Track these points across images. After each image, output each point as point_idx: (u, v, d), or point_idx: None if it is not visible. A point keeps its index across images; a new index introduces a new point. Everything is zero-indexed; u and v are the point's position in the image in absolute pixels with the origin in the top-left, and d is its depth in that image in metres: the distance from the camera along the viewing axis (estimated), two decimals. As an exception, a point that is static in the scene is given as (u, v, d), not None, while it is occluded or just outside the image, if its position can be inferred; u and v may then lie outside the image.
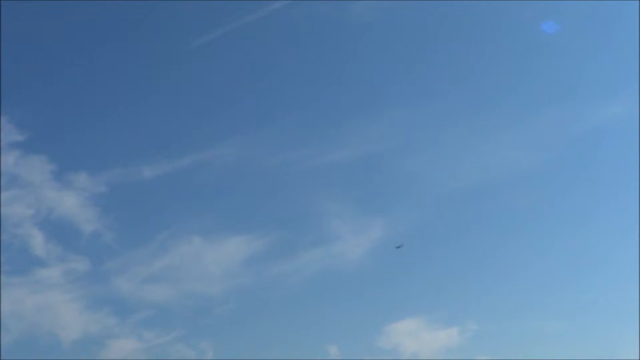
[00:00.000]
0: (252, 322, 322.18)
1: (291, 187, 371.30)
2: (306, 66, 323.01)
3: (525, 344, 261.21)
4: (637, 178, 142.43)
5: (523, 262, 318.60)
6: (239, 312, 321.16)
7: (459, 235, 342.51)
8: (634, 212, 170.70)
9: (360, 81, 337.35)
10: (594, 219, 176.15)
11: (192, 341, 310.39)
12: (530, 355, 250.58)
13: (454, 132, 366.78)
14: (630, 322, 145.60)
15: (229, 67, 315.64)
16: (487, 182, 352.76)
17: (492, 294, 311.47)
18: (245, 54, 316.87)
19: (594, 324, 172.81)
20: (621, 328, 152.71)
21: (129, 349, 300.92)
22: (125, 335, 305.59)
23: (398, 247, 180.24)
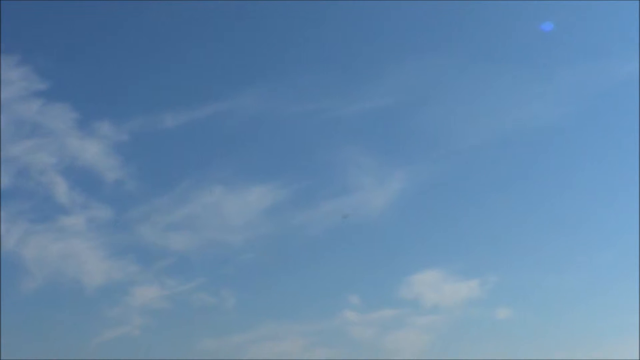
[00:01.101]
0: (273, 271, 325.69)
1: (313, 137, 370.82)
2: (327, 16, 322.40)
3: (545, 297, 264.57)
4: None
5: (543, 215, 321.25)
6: (259, 261, 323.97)
7: (480, 188, 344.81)
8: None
9: (381, 30, 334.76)
10: (615, 175, 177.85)
11: (214, 289, 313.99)
12: (550, 309, 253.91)
13: (476, 84, 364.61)
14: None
15: (250, 15, 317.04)
16: (508, 136, 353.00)
17: (513, 246, 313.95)
18: (267, 3, 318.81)
19: (616, 279, 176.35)
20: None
21: (151, 295, 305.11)
22: (148, 282, 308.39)
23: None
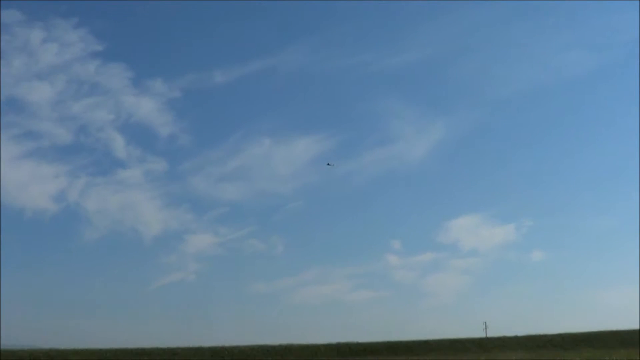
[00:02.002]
0: (320, 218, 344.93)
1: (355, 90, 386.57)
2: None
3: (578, 240, 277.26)
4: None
5: (577, 161, 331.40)
6: (307, 209, 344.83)
7: (516, 135, 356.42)
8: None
9: None
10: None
11: (264, 236, 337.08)
12: (583, 251, 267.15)
13: (511, 35, 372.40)
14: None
15: None
16: (543, 84, 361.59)
17: (547, 192, 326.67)
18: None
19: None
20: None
21: (205, 243, 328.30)
22: (202, 230, 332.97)
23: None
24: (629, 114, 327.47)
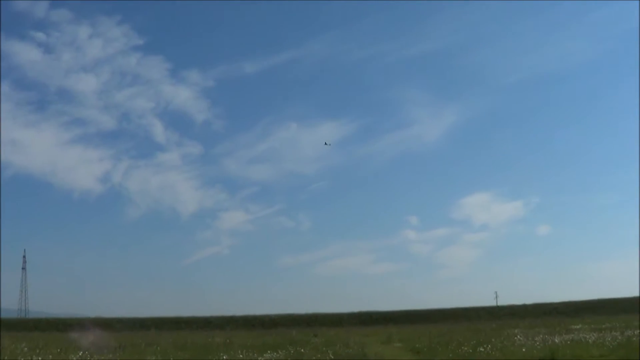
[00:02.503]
0: (343, 197, 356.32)
1: (374, 78, 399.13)
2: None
3: (581, 215, 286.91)
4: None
5: (580, 141, 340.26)
6: (331, 188, 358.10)
7: (524, 119, 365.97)
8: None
9: None
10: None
11: (291, 213, 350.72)
12: (588, 226, 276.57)
13: (519, 26, 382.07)
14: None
15: None
16: (549, 72, 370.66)
17: (553, 170, 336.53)
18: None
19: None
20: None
21: (237, 220, 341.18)
22: (235, 208, 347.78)
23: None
24: (630, 95, 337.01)
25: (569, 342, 36.84)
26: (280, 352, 37.26)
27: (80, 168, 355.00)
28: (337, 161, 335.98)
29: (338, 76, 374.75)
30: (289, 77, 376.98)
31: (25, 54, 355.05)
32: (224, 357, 34.44)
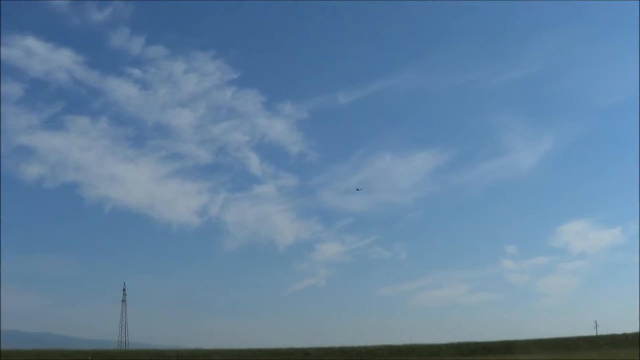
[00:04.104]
0: (439, 226, 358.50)
1: (468, 105, 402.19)
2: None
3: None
4: None
5: None
6: (427, 218, 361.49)
7: (621, 142, 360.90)
8: None
9: (523, 6, 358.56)
10: None
11: (387, 243, 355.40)
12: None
13: (615, 47, 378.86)
14: None
15: (402, 9, 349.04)
16: None
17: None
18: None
19: None
20: None
21: (334, 251, 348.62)
22: (331, 239, 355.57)
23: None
24: None
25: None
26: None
27: (178, 201, 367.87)
28: (432, 190, 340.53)
29: (431, 104, 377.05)
30: (382, 107, 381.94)
31: (122, 90, 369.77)
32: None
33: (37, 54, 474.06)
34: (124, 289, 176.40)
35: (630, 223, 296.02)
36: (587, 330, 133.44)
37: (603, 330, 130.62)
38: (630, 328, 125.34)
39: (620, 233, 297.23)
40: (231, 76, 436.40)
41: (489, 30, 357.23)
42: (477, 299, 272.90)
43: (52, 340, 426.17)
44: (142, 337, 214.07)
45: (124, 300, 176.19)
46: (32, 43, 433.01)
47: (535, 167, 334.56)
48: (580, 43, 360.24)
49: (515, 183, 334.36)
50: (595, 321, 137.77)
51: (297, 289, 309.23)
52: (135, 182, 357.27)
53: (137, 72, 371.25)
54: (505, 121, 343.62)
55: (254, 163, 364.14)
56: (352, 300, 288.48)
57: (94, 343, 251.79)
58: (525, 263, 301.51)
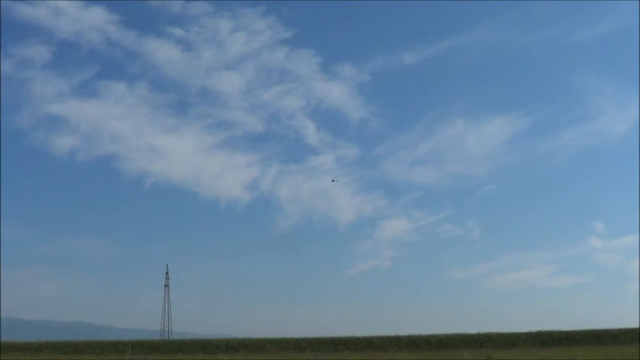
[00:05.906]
0: (517, 201, 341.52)
1: (549, 64, 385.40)
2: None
3: None
4: None
5: None
6: (502, 191, 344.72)
7: None
8: None
9: None
10: None
11: (459, 220, 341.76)
12: None
13: None
14: None
15: None
16: None
17: None
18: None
19: None
20: None
21: (399, 228, 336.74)
22: (396, 215, 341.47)
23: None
24: None
25: None
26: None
27: (227, 175, 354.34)
28: (510, 161, 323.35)
29: (507, 65, 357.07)
30: (453, 67, 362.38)
31: (162, 52, 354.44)
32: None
33: (65, 13, 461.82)
34: (166, 273, 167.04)
35: None
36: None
37: None
38: None
39: None
40: (283, 35, 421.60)
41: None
42: (561, 283, 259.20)
43: (82, 329, 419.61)
44: (186, 325, 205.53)
45: (166, 285, 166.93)
46: (60, 1, 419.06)
47: (627, 134, 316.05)
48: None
49: (604, 152, 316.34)
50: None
51: (358, 271, 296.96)
52: (178, 154, 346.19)
53: (178, 31, 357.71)
54: (592, 82, 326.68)
55: (310, 132, 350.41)
56: (420, 284, 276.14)
57: (131, 333, 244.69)
58: (616, 242, 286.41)
